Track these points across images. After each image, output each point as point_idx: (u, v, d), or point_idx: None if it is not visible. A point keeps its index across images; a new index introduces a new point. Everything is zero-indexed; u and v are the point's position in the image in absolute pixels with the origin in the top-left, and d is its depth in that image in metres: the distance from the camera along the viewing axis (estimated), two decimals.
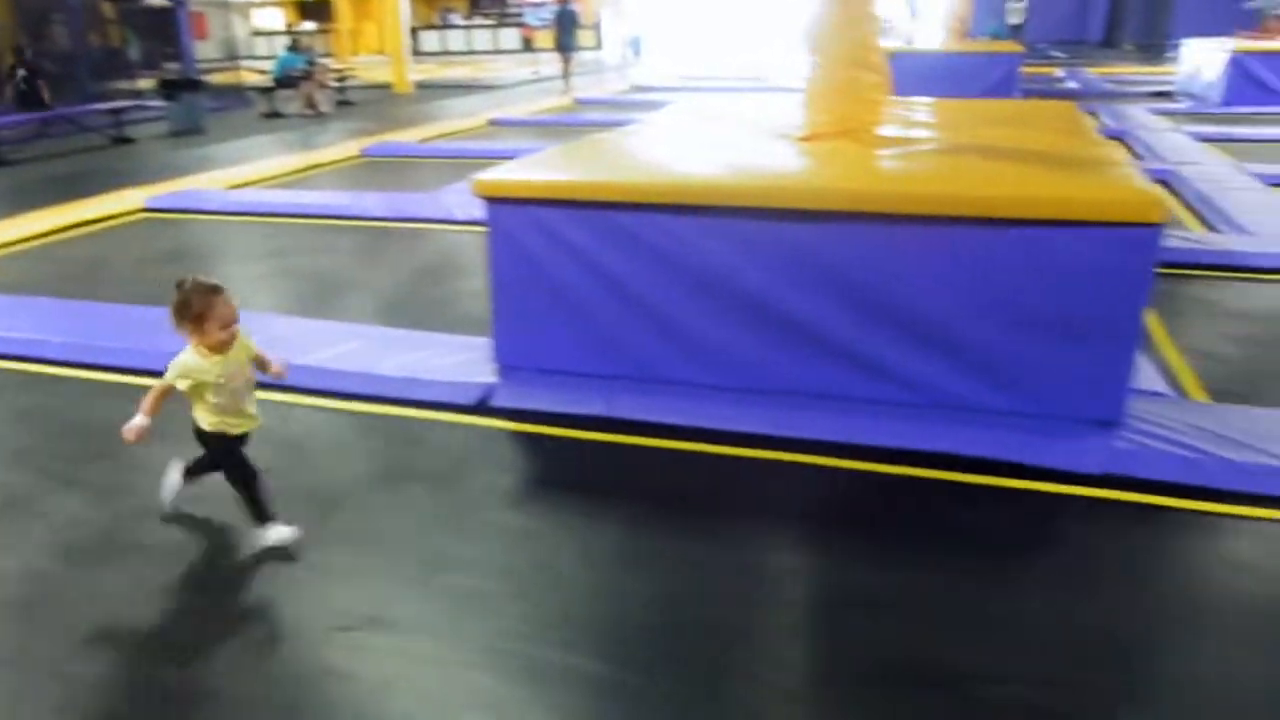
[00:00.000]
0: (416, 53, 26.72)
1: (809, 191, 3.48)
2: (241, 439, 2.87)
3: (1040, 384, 3.37)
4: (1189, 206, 7.17)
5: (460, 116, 13.75)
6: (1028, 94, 12.94)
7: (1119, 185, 3.34)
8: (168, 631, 2.53)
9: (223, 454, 2.86)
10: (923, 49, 13.08)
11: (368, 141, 11.16)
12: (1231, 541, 2.92)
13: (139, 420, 2.70)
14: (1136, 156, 9.13)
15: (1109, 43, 26.88)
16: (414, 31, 27.95)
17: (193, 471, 3.04)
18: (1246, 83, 12.61)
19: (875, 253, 3.41)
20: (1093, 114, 11.84)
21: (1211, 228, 6.55)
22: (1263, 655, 2.40)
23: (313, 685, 2.32)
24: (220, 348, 2.69)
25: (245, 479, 2.87)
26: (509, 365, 3.98)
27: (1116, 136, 10.18)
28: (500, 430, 3.64)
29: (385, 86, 18.53)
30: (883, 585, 2.68)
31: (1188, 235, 6.20)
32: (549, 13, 21.75)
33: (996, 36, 14.55)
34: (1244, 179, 7.72)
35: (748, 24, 26.66)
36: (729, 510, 3.08)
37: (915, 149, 4.04)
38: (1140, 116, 11.52)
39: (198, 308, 2.64)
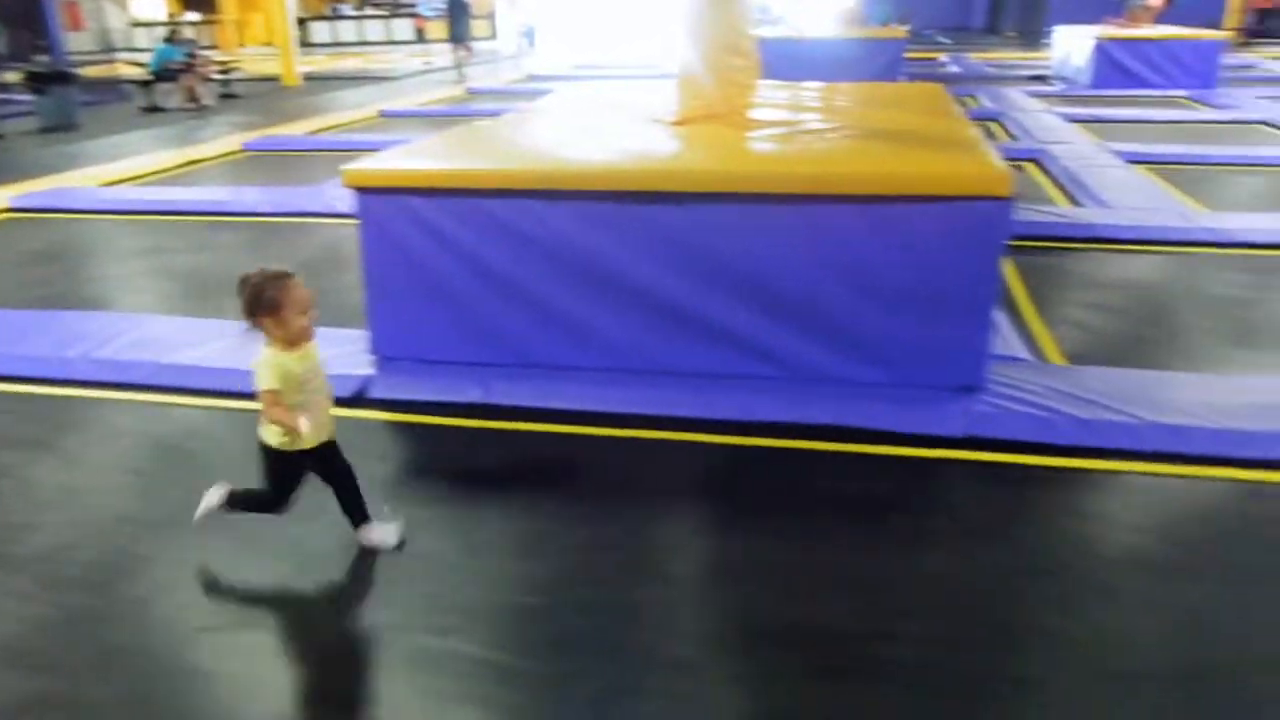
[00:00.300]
0: (306, 44, 26.04)
1: (676, 174, 3.54)
2: (307, 456, 2.59)
3: (904, 354, 3.50)
4: (1057, 183, 7.49)
5: (350, 109, 13.45)
6: (913, 78, 13.30)
7: (971, 161, 3.49)
8: (28, 640, 2.43)
9: (281, 469, 2.58)
10: (809, 35, 13.31)
11: (251, 136, 10.83)
12: (1083, 494, 3.08)
13: (299, 422, 2.44)
14: (1012, 136, 9.50)
15: (991, 29, 27.82)
16: (303, 22, 27.24)
17: (235, 503, 2.73)
18: (1111, 68, 13.24)
19: (742, 233, 3.49)
20: (971, 96, 12.27)
21: (1076, 202, 6.86)
22: (1118, 601, 2.54)
23: (178, 688, 2.26)
24: (303, 335, 2.48)
25: (272, 497, 2.62)
26: (386, 356, 3.94)
27: (994, 118, 10.59)
28: (377, 421, 3.61)
29: (273, 79, 17.99)
30: (764, 554, 2.75)
31: (1054, 210, 6.50)
32: (442, 2, 21.42)
33: (887, 24, 14.93)
34: (1107, 157, 8.11)
35: (643, 11, 26.74)
36: (609, 491, 3.11)
37: (782, 131, 4.14)
38: (1016, 99, 11.98)
39: (273, 295, 2.42)
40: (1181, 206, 6.63)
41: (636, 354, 3.70)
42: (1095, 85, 13.15)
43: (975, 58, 18.61)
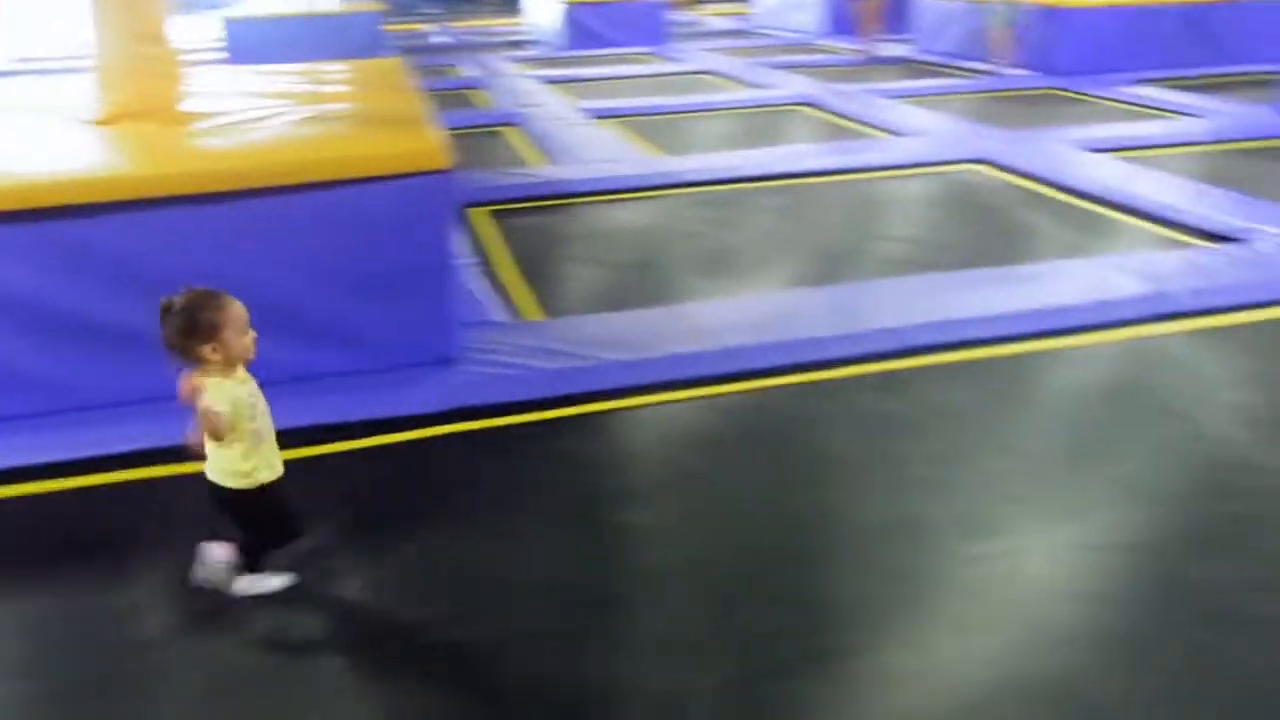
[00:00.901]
0: None
1: (99, 183, 3.15)
2: (275, 488, 2.35)
3: (379, 338, 3.49)
4: (534, 144, 7.91)
5: None
6: (400, 52, 13.25)
7: (410, 138, 3.53)
8: None
9: (255, 508, 2.33)
10: (272, 14, 12.56)
11: None
12: (568, 441, 3.24)
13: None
14: (492, 103, 9.85)
15: None
16: None
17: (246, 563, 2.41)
18: (580, 30, 14.33)
19: (184, 238, 3.21)
20: (452, 66, 12.55)
21: (553, 162, 7.30)
22: (627, 535, 2.72)
23: None
24: (245, 355, 2.26)
25: (271, 530, 2.40)
26: None
27: (475, 86, 10.92)
28: None
29: None
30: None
31: (531, 171, 6.87)
32: None
33: None
34: (578, 115, 8.75)
35: None
36: (70, 552, 2.71)
37: (221, 122, 3.86)
38: (498, 65, 12.48)
39: (210, 317, 2.18)
40: (644, 155, 7.35)
41: (75, 391, 3.26)
42: (569, 47, 14.14)
43: (460, 26, 19.04)
